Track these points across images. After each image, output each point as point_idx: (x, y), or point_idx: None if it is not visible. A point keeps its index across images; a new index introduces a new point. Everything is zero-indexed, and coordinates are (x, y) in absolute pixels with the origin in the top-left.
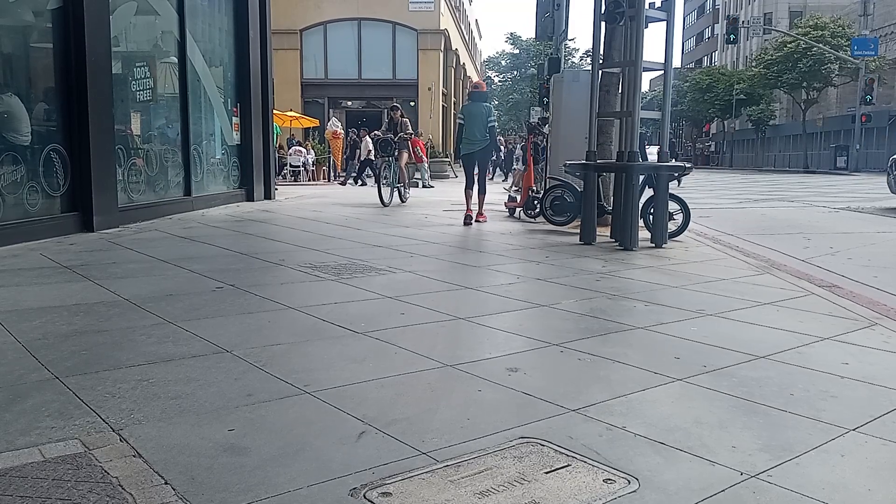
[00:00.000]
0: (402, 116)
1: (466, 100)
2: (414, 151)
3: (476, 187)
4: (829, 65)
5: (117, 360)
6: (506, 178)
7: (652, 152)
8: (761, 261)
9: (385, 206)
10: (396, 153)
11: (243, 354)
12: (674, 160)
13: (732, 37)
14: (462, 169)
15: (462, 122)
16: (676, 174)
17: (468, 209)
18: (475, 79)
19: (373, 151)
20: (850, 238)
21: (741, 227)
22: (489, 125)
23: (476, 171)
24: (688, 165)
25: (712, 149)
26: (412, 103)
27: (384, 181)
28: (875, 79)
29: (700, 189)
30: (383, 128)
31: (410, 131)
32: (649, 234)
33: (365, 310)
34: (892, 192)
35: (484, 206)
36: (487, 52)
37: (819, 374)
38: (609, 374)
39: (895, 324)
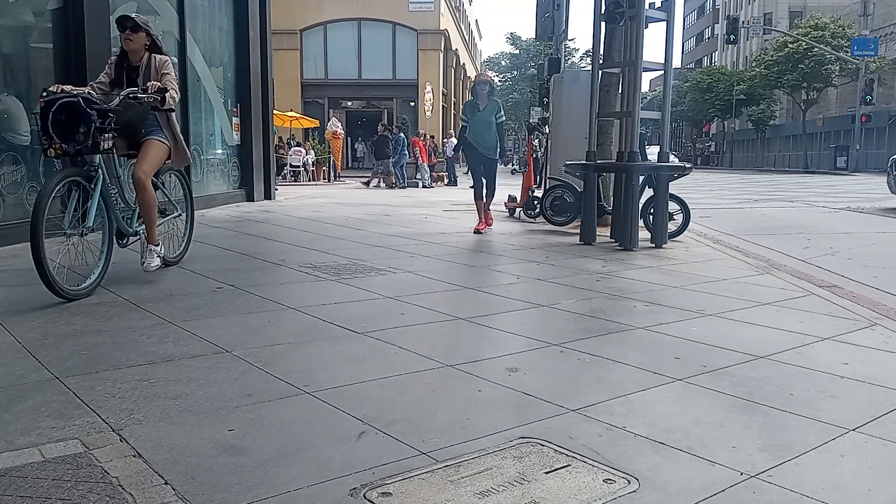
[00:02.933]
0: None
1: (469, 96)
2: (412, 152)
3: (485, 191)
4: (829, 65)
5: (117, 360)
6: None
7: (653, 152)
8: (761, 261)
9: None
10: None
11: (243, 354)
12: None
13: (732, 37)
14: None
15: (466, 122)
16: (676, 174)
17: (480, 222)
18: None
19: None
20: (850, 238)
21: (741, 227)
22: (498, 121)
23: (483, 172)
24: (688, 165)
25: (712, 149)
26: (412, 103)
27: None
28: (875, 79)
29: (700, 189)
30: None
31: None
32: (649, 234)
33: (365, 310)
34: (892, 192)
35: (491, 207)
36: (487, 52)
37: (819, 374)
38: (609, 374)
39: (895, 324)
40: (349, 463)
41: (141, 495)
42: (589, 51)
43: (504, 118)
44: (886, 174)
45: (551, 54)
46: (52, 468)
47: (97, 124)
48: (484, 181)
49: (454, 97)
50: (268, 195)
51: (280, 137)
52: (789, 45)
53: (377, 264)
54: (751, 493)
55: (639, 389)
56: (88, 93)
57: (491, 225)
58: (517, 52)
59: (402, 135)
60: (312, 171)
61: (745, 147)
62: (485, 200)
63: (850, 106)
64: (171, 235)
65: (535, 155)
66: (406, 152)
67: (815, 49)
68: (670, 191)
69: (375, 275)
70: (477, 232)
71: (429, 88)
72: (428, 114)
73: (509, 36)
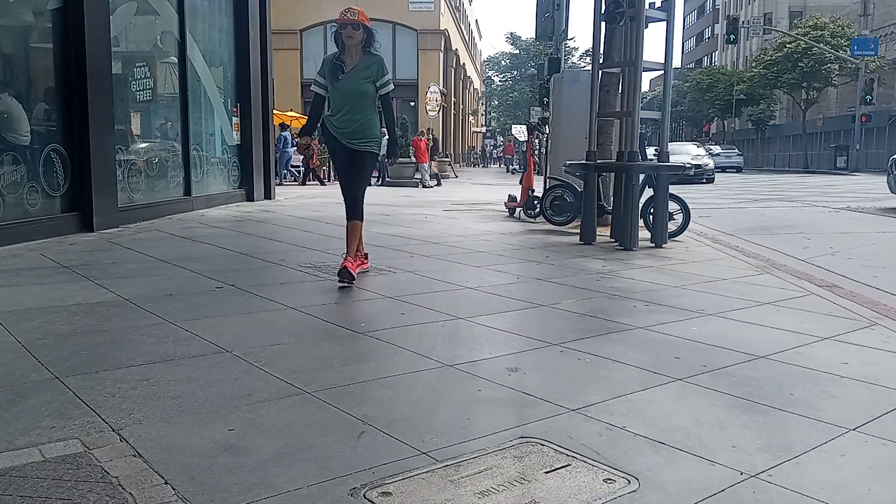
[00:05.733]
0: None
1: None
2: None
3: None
4: (829, 65)
5: (117, 360)
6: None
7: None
8: (761, 261)
9: None
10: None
11: (243, 354)
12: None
13: (732, 37)
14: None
15: (321, 88)
16: (676, 174)
17: (346, 257)
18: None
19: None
20: (850, 238)
21: (741, 226)
22: (381, 91)
23: (349, 176)
24: (687, 166)
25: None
26: (412, 103)
27: None
28: (875, 79)
29: (700, 189)
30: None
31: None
32: (649, 234)
33: (365, 310)
34: (892, 192)
35: (363, 244)
36: (487, 52)
37: (819, 374)
38: (609, 374)
39: (895, 324)
40: (349, 463)
41: (141, 495)
42: (589, 51)
43: (391, 86)
44: (886, 174)
45: (551, 54)
46: (52, 468)
47: None
48: (350, 191)
49: (454, 97)
50: (268, 195)
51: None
52: (788, 45)
53: (377, 264)
54: (751, 493)
55: (639, 389)
56: None
57: (366, 267)
58: (517, 52)
59: (284, 134)
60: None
61: (745, 147)
62: (350, 223)
63: (850, 106)
64: None
65: (533, 154)
66: (287, 150)
67: (815, 49)
68: (670, 190)
69: (375, 275)
70: (343, 279)
71: (433, 88)
72: (431, 113)
73: (509, 36)
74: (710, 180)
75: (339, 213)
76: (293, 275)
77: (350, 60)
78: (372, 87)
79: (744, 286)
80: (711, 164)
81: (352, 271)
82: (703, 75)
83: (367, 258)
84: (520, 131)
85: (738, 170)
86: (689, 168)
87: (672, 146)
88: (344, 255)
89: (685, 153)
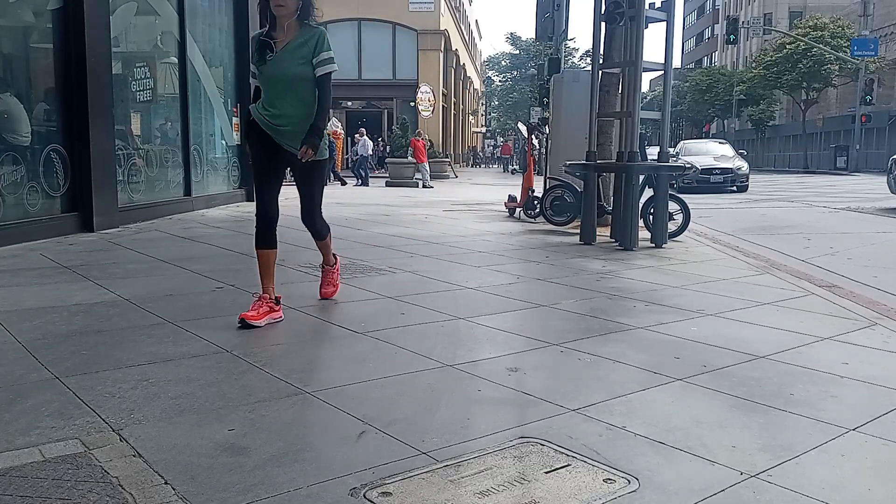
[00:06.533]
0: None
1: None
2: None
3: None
4: (828, 65)
5: (117, 360)
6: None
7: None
8: (761, 261)
9: None
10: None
11: (243, 354)
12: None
13: (732, 37)
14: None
15: (258, 75)
16: (676, 174)
17: (257, 303)
18: (475, 79)
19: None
20: (850, 238)
21: (741, 227)
22: (319, 73)
23: (300, 195)
24: (687, 166)
25: None
26: (412, 103)
27: None
28: (875, 79)
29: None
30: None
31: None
32: (649, 234)
33: (365, 310)
34: (892, 192)
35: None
36: (487, 52)
37: (819, 374)
38: (609, 373)
39: (895, 324)
40: (349, 463)
41: (141, 495)
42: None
43: (333, 66)
44: (886, 174)
45: (551, 54)
46: (52, 468)
47: None
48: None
49: (454, 97)
50: None
51: None
52: (788, 46)
53: (377, 264)
54: (751, 493)
55: (639, 389)
56: None
57: (332, 292)
58: (517, 52)
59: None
60: None
61: (745, 147)
62: (264, 252)
63: (850, 106)
64: None
65: (533, 154)
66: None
67: (814, 49)
68: (670, 191)
69: (375, 275)
70: (243, 323)
71: (425, 88)
72: (425, 114)
73: (509, 36)
74: (743, 187)
75: (340, 213)
76: (293, 275)
77: (282, 36)
78: (308, 70)
79: (744, 286)
80: (745, 168)
81: (251, 320)
82: (702, 75)
83: (335, 266)
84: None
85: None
86: (689, 169)
87: (689, 144)
88: (257, 296)
89: (706, 153)
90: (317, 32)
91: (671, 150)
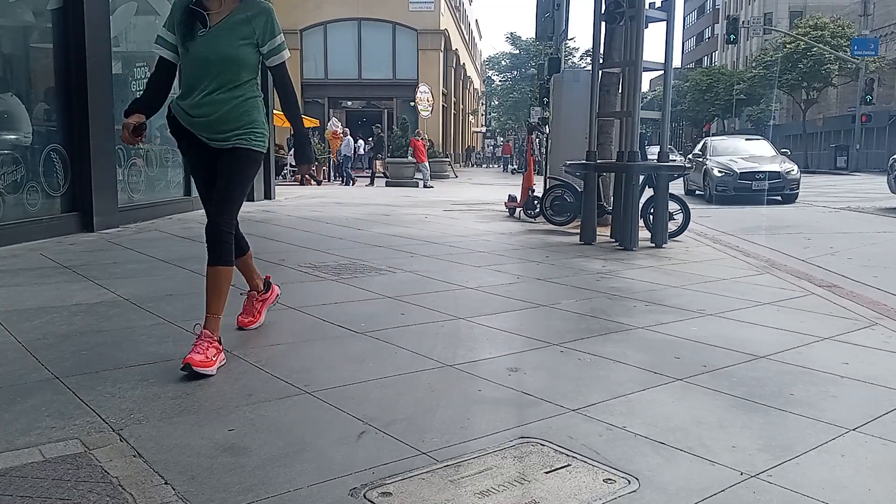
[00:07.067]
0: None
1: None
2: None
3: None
4: (828, 65)
5: (117, 360)
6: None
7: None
8: (761, 261)
9: None
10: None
11: (243, 354)
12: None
13: (732, 37)
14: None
15: (168, 50)
16: (676, 174)
17: (202, 322)
18: (475, 79)
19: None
20: (850, 238)
21: (741, 226)
22: (271, 63)
23: (210, 193)
24: (687, 166)
25: None
26: (412, 103)
27: None
28: (875, 79)
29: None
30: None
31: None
32: (649, 234)
33: (365, 310)
34: (892, 192)
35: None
36: (487, 52)
37: (819, 374)
38: (609, 373)
39: (895, 324)
40: (349, 463)
41: (141, 495)
42: (589, 51)
43: (286, 53)
44: (886, 174)
45: (551, 54)
46: (52, 468)
47: None
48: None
49: (454, 97)
50: (268, 195)
51: (280, 145)
52: (788, 46)
53: (377, 264)
54: (751, 493)
55: (639, 389)
56: None
57: (250, 323)
58: (517, 52)
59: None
60: (313, 171)
61: None
62: (211, 269)
63: (851, 106)
64: None
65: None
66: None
67: (814, 49)
68: (670, 191)
69: (375, 275)
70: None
71: (424, 88)
72: (424, 114)
73: (509, 36)
74: (791, 197)
75: (340, 213)
76: (293, 275)
77: (217, 7)
78: (251, 54)
79: (744, 286)
80: (795, 171)
81: (202, 367)
82: (703, 75)
83: (268, 290)
84: None
85: None
86: (689, 168)
87: (716, 142)
88: (198, 328)
89: (741, 153)
90: (264, 9)
91: (695, 149)
